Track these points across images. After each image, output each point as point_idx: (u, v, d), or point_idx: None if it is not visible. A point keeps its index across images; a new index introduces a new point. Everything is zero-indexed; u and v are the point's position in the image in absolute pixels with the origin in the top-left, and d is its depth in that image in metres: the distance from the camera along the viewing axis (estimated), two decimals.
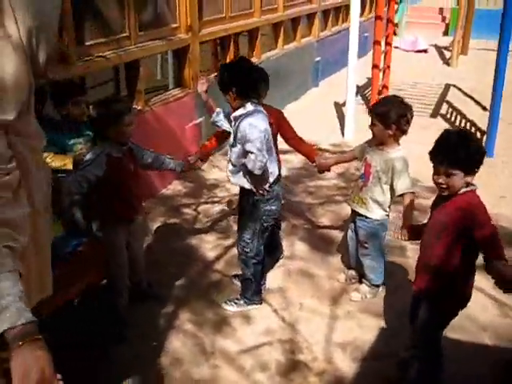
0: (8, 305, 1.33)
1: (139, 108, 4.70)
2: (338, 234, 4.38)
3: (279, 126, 3.69)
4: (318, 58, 9.01)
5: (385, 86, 8.21)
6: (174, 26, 5.08)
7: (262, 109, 3.23)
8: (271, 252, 3.84)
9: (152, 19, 4.81)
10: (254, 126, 3.09)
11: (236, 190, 4.33)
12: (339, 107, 7.87)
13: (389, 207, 3.42)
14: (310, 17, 8.69)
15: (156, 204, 4.97)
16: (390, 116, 3.16)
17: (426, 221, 2.76)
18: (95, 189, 3.10)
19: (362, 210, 3.41)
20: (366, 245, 3.47)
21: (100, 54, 4.11)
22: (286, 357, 3.08)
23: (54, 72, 3.61)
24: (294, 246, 4.27)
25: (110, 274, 3.23)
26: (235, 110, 3.21)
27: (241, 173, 3.26)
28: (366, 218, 3.40)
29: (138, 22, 4.50)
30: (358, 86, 8.81)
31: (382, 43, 7.69)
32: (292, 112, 7.87)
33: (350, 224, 3.65)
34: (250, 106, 3.16)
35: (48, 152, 3.49)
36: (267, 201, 3.30)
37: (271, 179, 3.27)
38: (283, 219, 4.63)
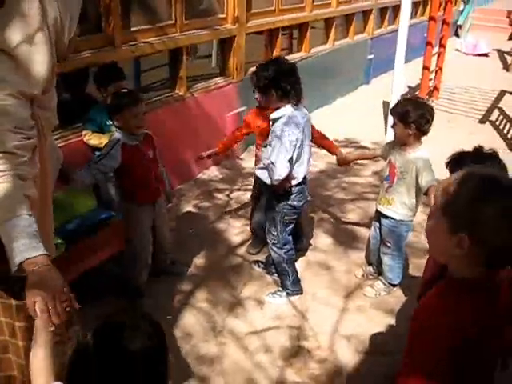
0: (26, 240, 1.58)
1: (181, 94, 4.88)
2: (363, 231, 4.43)
3: None
4: (370, 56, 8.97)
5: (435, 88, 8.12)
6: (221, 16, 5.22)
7: (300, 111, 3.23)
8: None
9: (199, 8, 4.96)
10: (286, 135, 3.11)
11: None
12: (387, 106, 7.83)
13: (416, 207, 3.45)
14: (366, 14, 8.65)
15: (191, 187, 5.16)
16: (409, 115, 3.20)
17: None
18: (115, 176, 3.30)
19: (387, 211, 3.46)
20: (389, 244, 3.53)
21: (145, 40, 4.30)
22: (290, 342, 3.20)
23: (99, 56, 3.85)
24: (317, 238, 4.35)
25: (131, 252, 3.40)
26: (273, 110, 3.24)
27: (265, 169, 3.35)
28: (391, 218, 3.45)
29: (185, 10, 4.65)
30: (409, 87, 8.78)
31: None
32: (339, 107, 7.94)
33: (375, 223, 3.71)
34: (289, 109, 3.18)
35: (87, 130, 3.72)
36: (289, 197, 3.37)
37: (293, 182, 3.32)
38: (312, 211, 4.73)
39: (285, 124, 3.14)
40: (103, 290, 3.33)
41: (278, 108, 3.21)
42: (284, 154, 3.11)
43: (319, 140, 3.86)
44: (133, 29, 4.21)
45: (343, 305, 3.56)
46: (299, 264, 3.97)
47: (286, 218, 3.43)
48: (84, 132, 3.71)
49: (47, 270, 1.58)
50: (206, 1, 5.08)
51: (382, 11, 9.39)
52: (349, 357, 3.09)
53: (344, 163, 3.88)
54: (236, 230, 4.41)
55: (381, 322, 3.39)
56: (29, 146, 1.78)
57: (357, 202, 5.04)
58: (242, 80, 5.62)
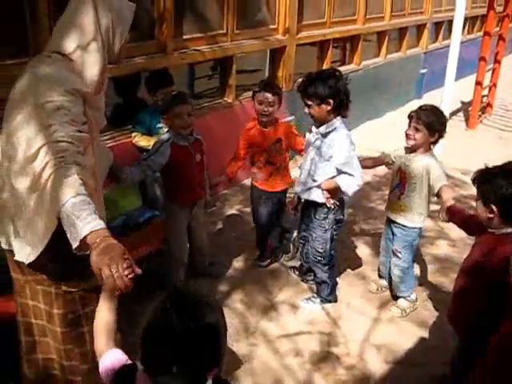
0: (87, 215, 1.71)
1: (229, 101, 5.02)
2: None
3: (288, 140, 3.80)
4: (423, 70, 8.92)
5: (489, 104, 8.00)
6: (272, 27, 5.35)
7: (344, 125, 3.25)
8: None
9: (250, 19, 5.09)
10: (350, 144, 3.16)
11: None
12: None
13: (427, 211, 3.46)
14: (420, 28, 8.62)
15: (236, 192, 5.28)
16: (436, 124, 3.24)
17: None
18: (162, 175, 3.43)
19: (400, 219, 3.46)
20: (400, 254, 3.52)
21: (196, 48, 4.46)
22: (321, 348, 3.24)
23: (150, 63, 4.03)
24: (356, 249, 4.39)
25: (168, 252, 3.54)
26: (322, 123, 3.22)
27: (315, 187, 3.33)
28: (404, 226, 3.46)
29: (236, 20, 4.80)
30: (462, 102, 8.67)
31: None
32: (389, 121, 7.91)
33: (385, 233, 3.70)
34: (338, 122, 3.19)
35: (136, 132, 3.89)
36: (337, 211, 3.39)
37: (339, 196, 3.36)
38: (354, 223, 4.77)
39: (342, 136, 3.17)
40: (139, 286, 3.46)
41: (327, 121, 3.20)
42: (356, 161, 3.16)
43: None
44: (185, 37, 4.38)
45: (376, 315, 3.58)
46: (336, 273, 4.01)
47: (334, 232, 3.47)
48: (133, 134, 3.88)
49: (109, 240, 1.69)
50: (257, 12, 5.21)
51: (437, 25, 9.33)
52: (377, 366, 3.11)
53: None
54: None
55: (412, 334, 3.39)
56: (83, 139, 1.94)
57: None
58: (290, 90, 5.71)
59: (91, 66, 2.02)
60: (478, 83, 7.22)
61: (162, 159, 3.26)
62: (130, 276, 1.64)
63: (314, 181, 3.31)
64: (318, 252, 3.48)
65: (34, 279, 2.12)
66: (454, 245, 4.44)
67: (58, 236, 1.81)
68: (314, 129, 3.29)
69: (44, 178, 1.80)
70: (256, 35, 5.15)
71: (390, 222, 3.60)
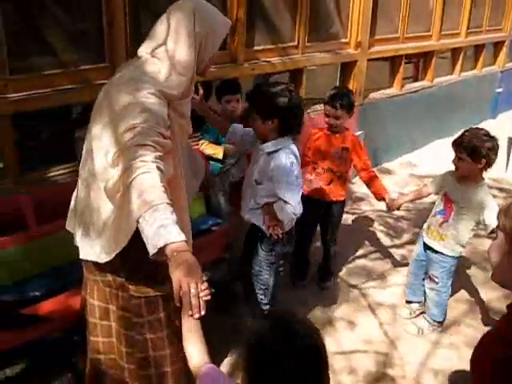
0: (169, 224, 1.67)
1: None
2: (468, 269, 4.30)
3: (354, 152, 3.70)
4: (499, 89, 8.63)
5: None
6: (344, 40, 5.32)
7: (295, 146, 2.88)
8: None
9: (322, 32, 5.08)
10: (292, 169, 2.77)
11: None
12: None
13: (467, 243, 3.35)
14: (497, 45, 8.36)
15: None
16: (480, 151, 3.07)
17: None
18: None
19: (438, 246, 3.34)
20: (437, 279, 3.40)
21: (266, 59, 4.50)
22: (376, 368, 3.18)
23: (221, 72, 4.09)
24: None
25: (231, 260, 3.56)
26: (265, 139, 2.84)
27: (259, 211, 2.90)
28: (443, 254, 3.33)
29: (308, 32, 4.81)
30: None
31: None
32: None
33: (418, 257, 3.57)
34: (287, 142, 2.83)
35: (204, 139, 3.95)
36: (283, 244, 2.97)
37: (293, 223, 2.91)
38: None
39: (284, 158, 2.78)
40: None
41: (272, 139, 2.83)
42: (297, 189, 2.79)
43: (367, 179, 3.77)
44: (255, 48, 4.42)
45: (436, 338, 3.47)
46: (395, 292, 3.93)
47: (279, 267, 3.11)
48: (201, 141, 3.95)
49: (190, 256, 1.64)
50: (329, 25, 5.20)
51: None
52: None
53: (394, 207, 3.64)
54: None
55: None
56: (165, 145, 1.92)
57: None
58: (361, 105, 5.66)
59: (181, 71, 2.05)
60: None
61: (240, 173, 3.35)
62: (206, 298, 1.59)
63: (257, 203, 2.91)
64: (263, 283, 3.06)
65: (103, 280, 2.17)
66: None
67: (134, 240, 1.79)
68: (258, 145, 2.92)
69: (126, 183, 1.77)
70: (327, 48, 5.14)
71: (425, 247, 3.46)
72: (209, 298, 1.59)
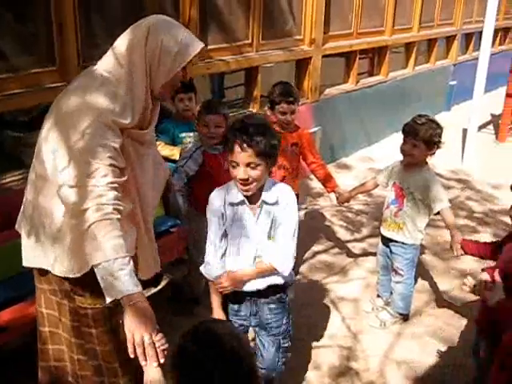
0: (126, 275, 1.72)
1: (254, 111, 5.02)
2: (428, 260, 4.36)
3: (306, 146, 3.71)
4: (452, 82, 8.81)
5: None
6: (298, 37, 5.34)
7: None
8: None
9: (276, 29, 5.09)
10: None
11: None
12: (466, 134, 7.65)
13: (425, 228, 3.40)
14: (449, 39, 8.53)
15: None
16: (434, 139, 3.15)
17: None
18: (189, 182, 3.43)
19: (398, 236, 3.36)
20: (402, 272, 3.43)
21: (221, 58, 4.47)
22: (340, 362, 3.19)
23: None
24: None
25: (190, 261, 3.51)
26: (256, 185, 2.35)
27: None
28: (404, 243, 3.36)
29: (262, 30, 4.81)
30: (492, 115, 8.52)
31: None
32: None
33: (382, 252, 3.59)
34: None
35: (160, 140, 3.88)
36: None
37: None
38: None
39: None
40: (159, 294, 3.48)
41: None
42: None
43: (316, 169, 3.78)
44: (210, 47, 4.39)
45: (398, 330, 3.51)
46: (357, 287, 3.95)
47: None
48: (157, 143, 3.89)
49: (145, 307, 1.71)
50: (283, 22, 5.21)
51: (468, 37, 9.22)
52: (397, 382, 3.04)
53: (343, 200, 3.71)
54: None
55: (435, 351, 3.31)
56: (122, 183, 1.90)
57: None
58: (317, 101, 5.69)
59: (136, 97, 1.93)
60: (509, 95, 7.09)
61: (195, 165, 3.29)
62: (163, 347, 1.65)
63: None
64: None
65: (49, 289, 2.12)
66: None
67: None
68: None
69: (85, 224, 1.76)
70: (281, 46, 5.15)
71: (386, 241, 3.49)
72: (166, 346, 1.66)
